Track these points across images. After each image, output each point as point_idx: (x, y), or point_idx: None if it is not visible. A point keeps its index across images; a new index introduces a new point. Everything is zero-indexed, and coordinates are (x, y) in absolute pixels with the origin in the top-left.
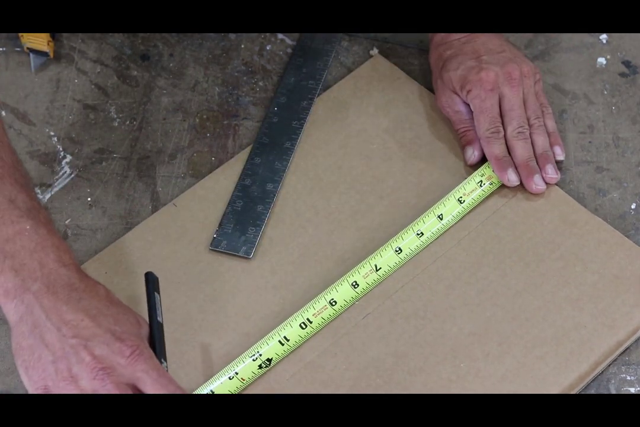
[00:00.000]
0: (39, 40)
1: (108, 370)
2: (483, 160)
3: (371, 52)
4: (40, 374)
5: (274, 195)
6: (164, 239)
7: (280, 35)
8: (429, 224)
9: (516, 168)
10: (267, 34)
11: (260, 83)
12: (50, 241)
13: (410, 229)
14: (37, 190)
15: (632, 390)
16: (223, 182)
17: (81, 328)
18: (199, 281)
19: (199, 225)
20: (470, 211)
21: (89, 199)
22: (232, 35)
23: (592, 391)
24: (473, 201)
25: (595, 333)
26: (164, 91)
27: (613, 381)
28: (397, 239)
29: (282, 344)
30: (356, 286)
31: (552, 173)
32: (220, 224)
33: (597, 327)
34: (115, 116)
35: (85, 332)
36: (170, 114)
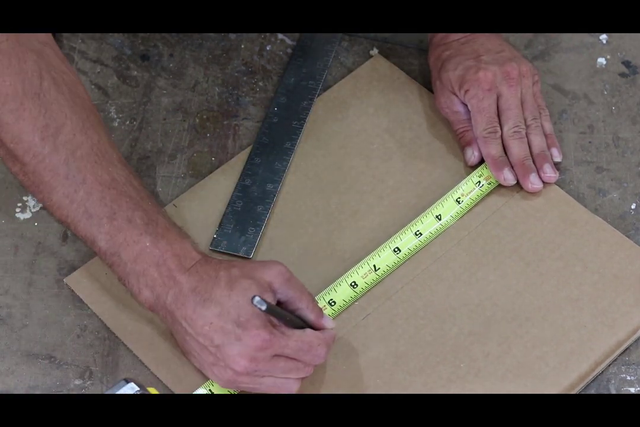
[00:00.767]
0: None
1: (253, 364)
2: (483, 160)
3: (371, 52)
4: (217, 376)
5: (274, 195)
6: None
7: (280, 35)
8: (427, 224)
9: (512, 167)
10: (267, 34)
11: (260, 83)
12: (171, 252)
13: (409, 229)
14: None
15: (632, 390)
16: (223, 182)
17: (212, 333)
18: None
19: (199, 225)
20: (470, 211)
21: None
22: (232, 35)
23: (592, 391)
24: (471, 201)
25: (595, 333)
26: (164, 91)
27: (613, 381)
28: (396, 239)
29: None
30: (355, 286)
31: (550, 172)
32: (220, 224)
33: (597, 327)
34: (115, 116)
35: (216, 336)
36: (170, 114)
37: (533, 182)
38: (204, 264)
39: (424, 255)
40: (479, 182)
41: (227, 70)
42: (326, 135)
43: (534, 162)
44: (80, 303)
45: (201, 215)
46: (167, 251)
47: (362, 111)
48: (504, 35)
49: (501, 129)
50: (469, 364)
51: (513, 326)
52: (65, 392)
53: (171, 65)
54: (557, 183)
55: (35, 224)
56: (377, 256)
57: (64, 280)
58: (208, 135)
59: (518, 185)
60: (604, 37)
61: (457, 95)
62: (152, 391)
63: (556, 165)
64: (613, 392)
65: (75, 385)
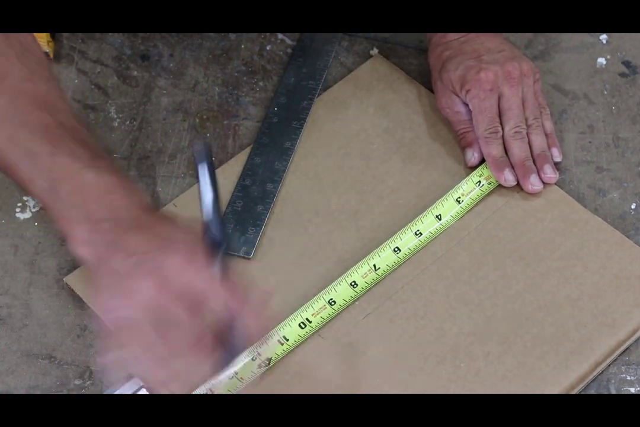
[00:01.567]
0: (39, 41)
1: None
2: (483, 161)
3: (371, 52)
4: (107, 297)
5: (274, 195)
6: None
7: (280, 35)
8: (427, 224)
9: (513, 168)
10: (267, 34)
11: (260, 83)
12: (121, 184)
13: (409, 229)
14: None
15: (632, 390)
16: (223, 182)
17: (139, 247)
18: None
19: (199, 225)
20: (470, 211)
21: None
22: (232, 35)
23: (592, 391)
24: (471, 201)
25: (595, 333)
26: (164, 91)
27: (613, 381)
28: (396, 239)
29: (282, 344)
30: (355, 285)
31: (550, 173)
32: None
33: (597, 327)
34: (115, 116)
35: (139, 249)
36: (170, 114)
37: (533, 183)
38: (146, 210)
39: (424, 255)
40: (479, 181)
41: (227, 70)
42: (326, 135)
43: (534, 162)
44: (80, 303)
45: (201, 215)
46: (109, 184)
47: (362, 111)
48: (504, 34)
49: (502, 128)
50: (469, 364)
51: (513, 326)
52: (65, 392)
53: (171, 65)
54: (557, 183)
55: (35, 224)
56: (377, 255)
57: (64, 279)
58: (208, 135)
59: (518, 185)
60: (604, 37)
61: (458, 96)
62: None
63: (556, 165)
64: (613, 392)
65: (75, 385)
